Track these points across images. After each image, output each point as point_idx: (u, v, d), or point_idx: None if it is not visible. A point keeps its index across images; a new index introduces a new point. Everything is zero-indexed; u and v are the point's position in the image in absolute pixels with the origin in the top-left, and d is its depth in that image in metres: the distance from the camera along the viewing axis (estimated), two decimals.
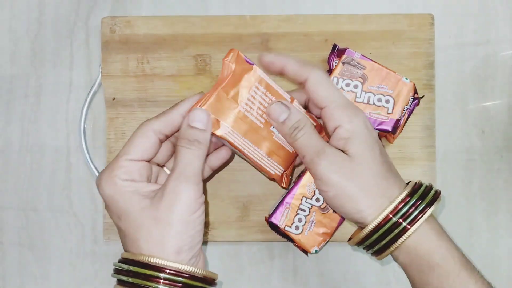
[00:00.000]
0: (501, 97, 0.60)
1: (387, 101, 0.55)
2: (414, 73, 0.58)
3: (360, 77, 0.55)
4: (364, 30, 0.58)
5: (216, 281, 0.44)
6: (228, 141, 0.46)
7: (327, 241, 0.55)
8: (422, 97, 0.56)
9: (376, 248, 0.45)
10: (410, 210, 0.43)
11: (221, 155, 0.51)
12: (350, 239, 0.48)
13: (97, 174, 0.58)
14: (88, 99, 0.59)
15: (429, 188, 0.45)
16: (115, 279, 0.43)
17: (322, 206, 0.54)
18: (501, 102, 0.60)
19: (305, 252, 0.55)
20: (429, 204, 0.43)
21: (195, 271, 0.41)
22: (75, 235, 0.60)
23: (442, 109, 0.60)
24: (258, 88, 0.47)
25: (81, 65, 0.60)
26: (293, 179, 0.56)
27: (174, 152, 0.47)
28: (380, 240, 0.44)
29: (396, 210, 0.43)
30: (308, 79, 0.45)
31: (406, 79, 0.55)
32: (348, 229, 0.57)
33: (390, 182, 0.44)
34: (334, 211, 0.49)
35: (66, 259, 0.60)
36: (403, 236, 0.42)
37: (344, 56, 0.55)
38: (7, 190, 0.60)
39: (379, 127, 0.55)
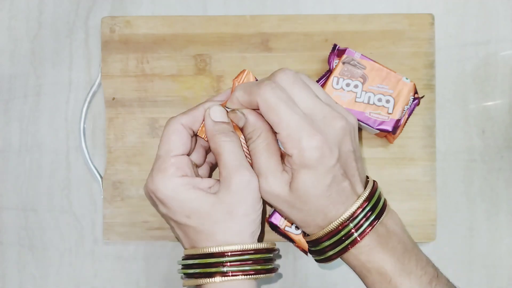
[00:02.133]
0: (501, 97, 0.60)
1: (388, 101, 0.55)
2: (415, 73, 0.58)
3: (360, 77, 0.55)
4: (365, 30, 0.58)
5: (275, 248, 0.46)
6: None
7: None
8: (422, 97, 0.56)
9: (323, 257, 0.44)
10: (362, 221, 0.42)
11: None
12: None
13: (97, 174, 0.58)
14: (88, 99, 0.59)
15: (379, 197, 0.44)
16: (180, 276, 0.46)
17: None
18: (501, 102, 0.60)
19: (306, 252, 0.55)
20: (377, 217, 0.42)
21: (262, 246, 0.44)
22: (75, 235, 0.60)
23: (443, 109, 0.59)
24: None
25: (81, 65, 0.60)
26: None
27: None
28: (330, 248, 0.43)
29: (352, 217, 0.42)
30: (258, 103, 0.41)
31: (407, 79, 0.55)
32: None
33: (336, 205, 0.42)
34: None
35: (65, 259, 0.60)
36: (353, 248, 0.42)
37: (344, 56, 0.55)
38: (6, 190, 0.60)
39: (379, 127, 0.55)
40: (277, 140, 0.43)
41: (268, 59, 0.58)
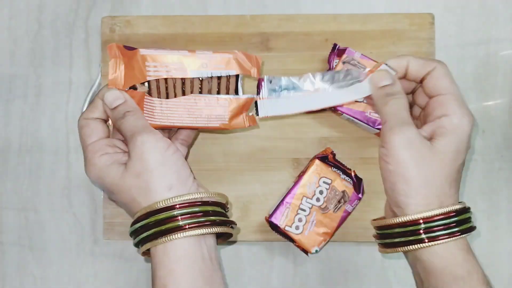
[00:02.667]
0: (501, 96, 0.60)
1: None
2: None
3: None
4: (365, 29, 0.58)
5: (227, 203, 0.47)
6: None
7: (328, 241, 0.55)
8: None
9: (387, 241, 0.45)
10: (440, 227, 0.42)
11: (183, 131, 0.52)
12: (374, 220, 0.48)
13: None
14: (88, 99, 0.59)
15: (468, 218, 0.45)
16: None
17: (322, 206, 0.54)
18: (501, 102, 0.60)
19: (306, 252, 0.55)
20: (461, 232, 0.43)
21: (207, 195, 0.44)
22: (75, 235, 0.60)
23: None
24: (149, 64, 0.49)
25: (81, 65, 0.60)
26: (293, 179, 0.56)
27: None
28: (396, 236, 0.44)
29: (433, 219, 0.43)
30: (435, 69, 0.46)
31: None
32: (348, 229, 0.57)
33: (451, 192, 0.44)
34: (382, 181, 0.47)
35: (66, 259, 0.60)
36: (415, 245, 0.42)
37: (344, 56, 0.55)
38: (7, 190, 0.60)
39: (379, 126, 0.54)
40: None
41: (268, 58, 0.58)
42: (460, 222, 0.43)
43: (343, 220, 0.55)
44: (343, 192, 0.55)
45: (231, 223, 0.46)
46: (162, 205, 0.42)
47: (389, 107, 0.45)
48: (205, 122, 0.50)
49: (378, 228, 0.46)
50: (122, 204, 0.46)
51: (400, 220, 0.43)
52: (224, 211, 0.46)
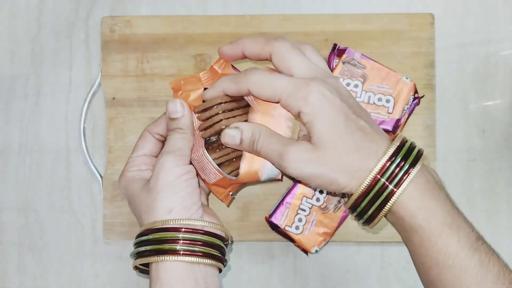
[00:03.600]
0: (501, 96, 0.60)
1: (388, 101, 0.55)
2: (415, 73, 0.58)
3: (360, 77, 0.55)
4: (365, 29, 0.58)
5: (227, 238, 0.47)
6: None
7: (328, 241, 0.55)
8: (422, 97, 0.56)
9: (365, 217, 0.43)
10: (396, 171, 0.40)
11: None
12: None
13: (97, 174, 0.58)
14: (88, 99, 0.59)
15: (412, 147, 0.42)
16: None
17: (322, 206, 0.54)
18: (501, 102, 0.60)
19: (306, 252, 0.55)
20: (412, 165, 0.41)
21: (212, 227, 0.44)
22: (75, 235, 0.60)
23: (443, 108, 0.59)
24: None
25: (81, 65, 0.60)
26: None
27: None
28: (369, 206, 0.42)
29: (383, 171, 0.40)
30: (274, 49, 0.44)
31: (407, 78, 0.55)
32: (349, 229, 0.57)
33: (364, 152, 0.41)
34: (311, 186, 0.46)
35: (66, 259, 0.60)
36: (390, 200, 0.40)
37: (344, 56, 0.55)
38: (7, 190, 0.60)
39: (380, 126, 0.55)
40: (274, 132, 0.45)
41: None
42: (404, 157, 0.41)
43: (343, 220, 0.55)
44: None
45: (224, 260, 0.46)
46: (159, 225, 0.43)
47: (262, 152, 0.44)
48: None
49: (351, 210, 0.44)
50: (135, 217, 0.48)
51: (364, 185, 0.40)
52: (222, 245, 0.46)
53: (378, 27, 0.58)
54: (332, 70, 0.55)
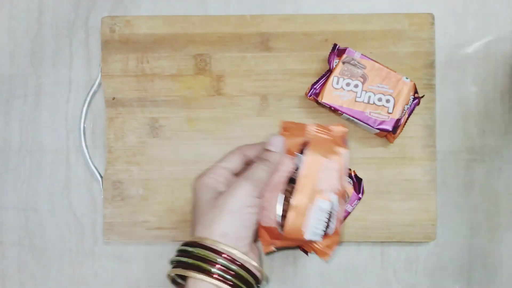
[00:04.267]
0: (501, 96, 0.60)
1: (388, 101, 0.55)
2: (415, 73, 0.58)
3: (360, 77, 0.55)
4: (365, 29, 0.58)
5: (263, 281, 0.48)
6: None
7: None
8: (422, 97, 0.56)
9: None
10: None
11: None
12: None
13: (97, 174, 0.58)
14: (88, 99, 0.59)
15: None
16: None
17: None
18: (501, 102, 0.60)
19: (305, 252, 0.55)
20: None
21: (247, 259, 0.45)
22: (75, 235, 0.60)
23: (443, 108, 0.59)
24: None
25: (81, 65, 0.60)
26: None
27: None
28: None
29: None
30: None
31: (407, 78, 0.55)
32: (348, 229, 0.57)
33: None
34: None
35: (65, 259, 0.60)
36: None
37: (344, 56, 0.55)
38: (7, 190, 0.60)
39: (380, 126, 0.55)
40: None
41: (268, 58, 0.58)
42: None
43: (343, 220, 0.55)
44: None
45: None
46: (209, 243, 0.44)
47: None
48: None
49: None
50: (191, 221, 0.49)
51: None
52: (253, 284, 0.47)
53: (378, 27, 0.58)
54: (332, 70, 0.55)
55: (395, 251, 0.59)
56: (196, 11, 0.61)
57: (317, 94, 0.56)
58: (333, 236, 0.50)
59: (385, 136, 0.57)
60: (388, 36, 0.58)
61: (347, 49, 0.55)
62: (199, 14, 0.60)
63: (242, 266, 0.45)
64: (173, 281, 0.47)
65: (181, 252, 0.46)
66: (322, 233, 0.48)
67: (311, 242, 0.49)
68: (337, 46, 0.56)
